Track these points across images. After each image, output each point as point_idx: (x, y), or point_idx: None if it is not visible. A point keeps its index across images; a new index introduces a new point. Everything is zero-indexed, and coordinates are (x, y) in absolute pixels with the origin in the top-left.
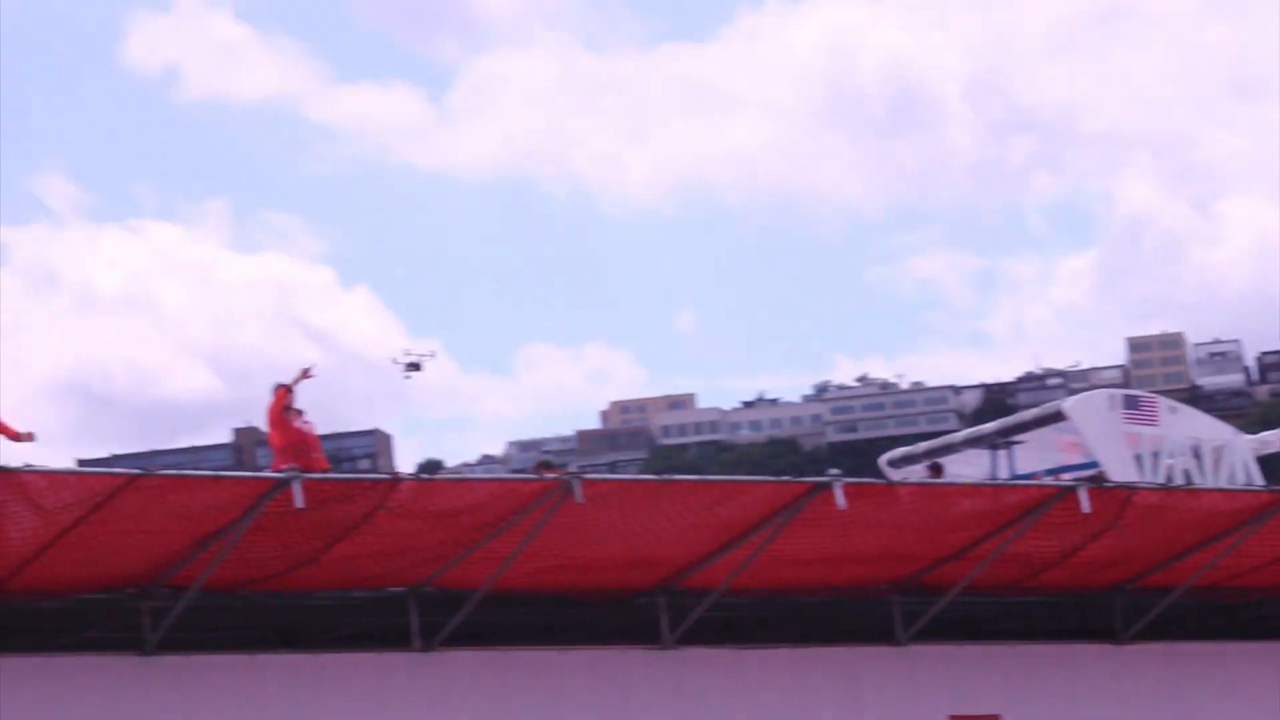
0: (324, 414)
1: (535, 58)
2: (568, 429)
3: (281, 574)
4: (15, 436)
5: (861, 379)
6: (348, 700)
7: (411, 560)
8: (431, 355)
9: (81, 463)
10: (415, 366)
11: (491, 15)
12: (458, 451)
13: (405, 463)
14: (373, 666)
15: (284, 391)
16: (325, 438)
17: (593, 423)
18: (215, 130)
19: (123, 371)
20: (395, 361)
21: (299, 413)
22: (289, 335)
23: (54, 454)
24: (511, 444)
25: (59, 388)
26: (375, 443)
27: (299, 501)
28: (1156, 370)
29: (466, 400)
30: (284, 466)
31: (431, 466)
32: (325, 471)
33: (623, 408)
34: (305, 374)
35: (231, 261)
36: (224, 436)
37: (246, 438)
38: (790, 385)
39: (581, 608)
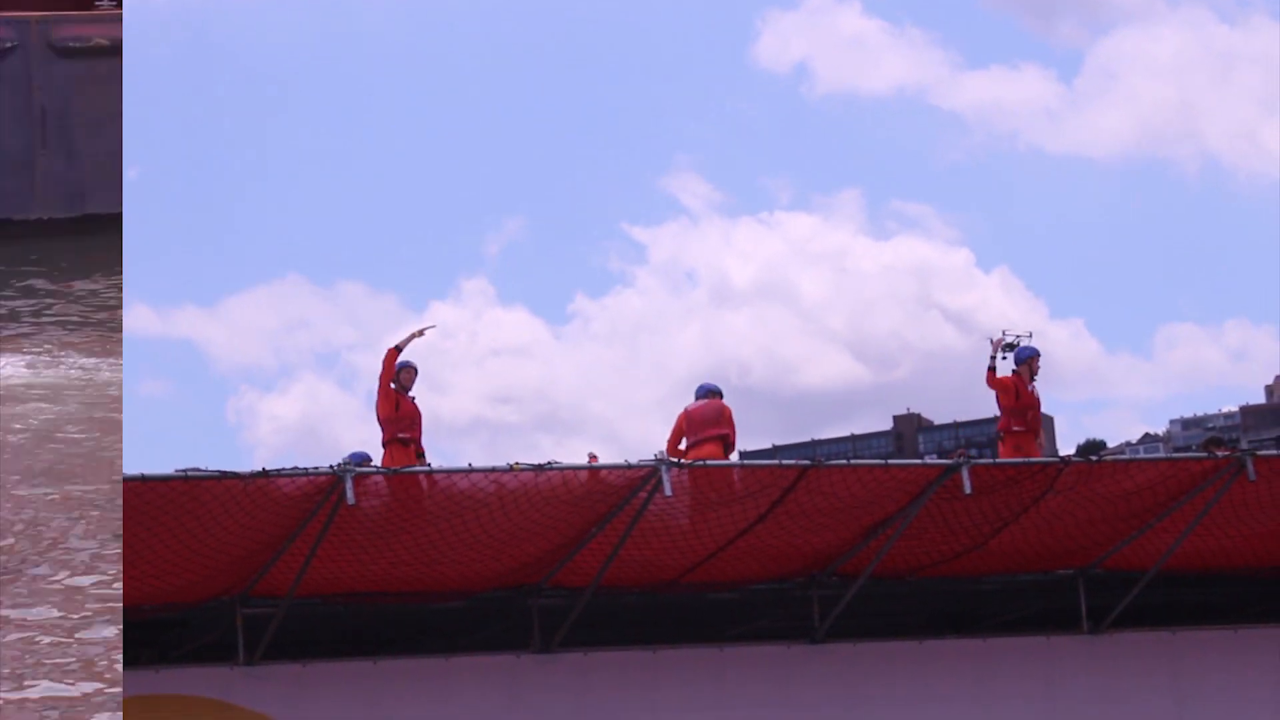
0: (976, 401)
1: (1163, 35)
2: (1229, 404)
3: (949, 559)
4: None
5: None
6: (1018, 682)
7: (1080, 543)
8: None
9: (743, 455)
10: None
11: None
12: (1119, 431)
13: (1066, 444)
14: (1041, 650)
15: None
16: (988, 421)
17: (1257, 398)
18: (847, 123)
19: (762, 362)
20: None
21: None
22: (928, 319)
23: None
24: (1174, 422)
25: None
26: None
27: (968, 487)
28: None
29: (1110, 381)
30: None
31: (1093, 447)
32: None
33: None
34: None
35: (867, 249)
36: (883, 424)
37: (906, 425)
38: None
39: (1250, 585)
